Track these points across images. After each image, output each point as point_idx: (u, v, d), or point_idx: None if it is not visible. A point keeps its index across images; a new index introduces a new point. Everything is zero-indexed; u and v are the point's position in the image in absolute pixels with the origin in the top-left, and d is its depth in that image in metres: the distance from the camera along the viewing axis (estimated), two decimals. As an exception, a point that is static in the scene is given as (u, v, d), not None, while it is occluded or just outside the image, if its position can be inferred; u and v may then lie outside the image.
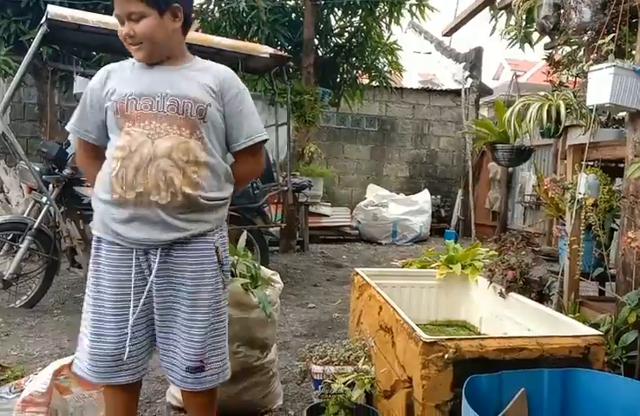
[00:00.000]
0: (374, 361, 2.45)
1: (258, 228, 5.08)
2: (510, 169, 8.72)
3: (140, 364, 1.91)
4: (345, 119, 10.35)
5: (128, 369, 1.88)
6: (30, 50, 4.13)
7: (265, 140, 1.96)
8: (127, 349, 1.84)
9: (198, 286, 1.86)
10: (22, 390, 2.16)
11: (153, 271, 1.82)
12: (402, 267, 3.54)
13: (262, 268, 2.67)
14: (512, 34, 4.43)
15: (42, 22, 4.11)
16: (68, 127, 1.97)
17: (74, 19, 4.10)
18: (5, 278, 3.97)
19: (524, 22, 4.14)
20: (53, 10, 4.06)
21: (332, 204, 9.11)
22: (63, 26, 4.14)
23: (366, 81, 8.70)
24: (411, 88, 10.79)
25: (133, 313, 1.83)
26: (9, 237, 4.09)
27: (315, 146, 7.63)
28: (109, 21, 4.21)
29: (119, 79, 1.90)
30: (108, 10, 5.34)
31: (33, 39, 4.31)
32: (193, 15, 2.00)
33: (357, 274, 3.12)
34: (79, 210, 4.31)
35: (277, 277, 2.73)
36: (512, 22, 4.48)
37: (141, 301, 1.83)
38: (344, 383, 2.28)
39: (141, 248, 1.83)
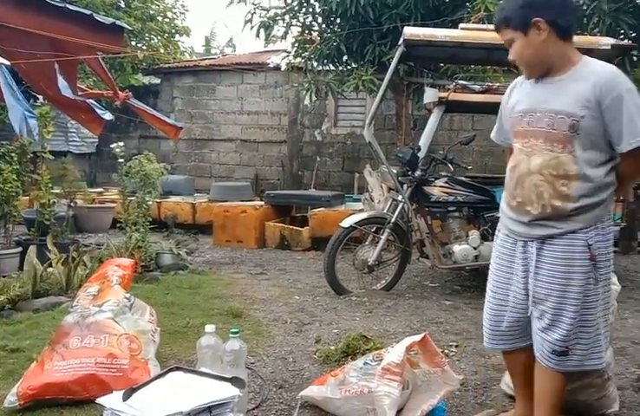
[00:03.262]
0: None
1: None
2: None
3: (516, 336, 2.24)
4: None
5: (507, 339, 2.25)
6: (390, 68, 4.75)
7: None
8: (505, 322, 2.22)
9: (567, 279, 2.04)
10: (381, 359, 2.49)
11: (533, 261, 2.09)
12: None
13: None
14: None
15: (399, 43, 4.66)
16: (492, 136, 2.37)
17: (425, 36, 4.56)
18: (370, 264, 4.65)
19: None
20: (408, 31, 4.57)
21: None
22: (416, 44, 4.62)
23: None
24: None
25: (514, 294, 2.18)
26: (372, 230, 4.78)
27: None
28: (454, 34, 4.59)
29: (517, 94, 2.16)
30: (455, 25, 5.74)
31: (392, 59, 4.92)
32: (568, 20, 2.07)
33: None
34: (427, 207, 4.78)
35: (614, 279, 2.68)
36: None
37: (517, 283, 2.15)
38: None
39: (522, 240, 2.12)
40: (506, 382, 2.80)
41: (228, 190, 8.42)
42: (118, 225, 5.67)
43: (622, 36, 6.52)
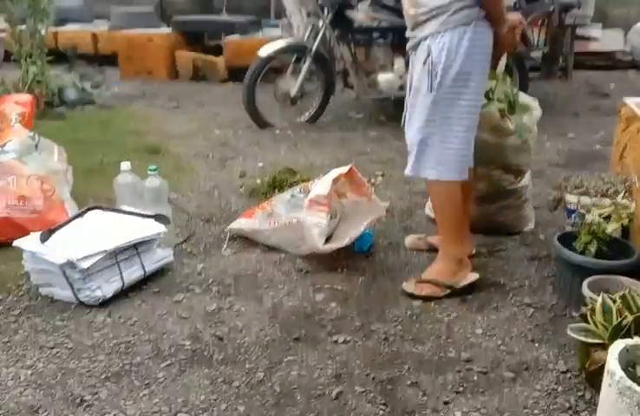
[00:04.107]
0: (634, 197, 2.42)
1: (519, 52, 4.87)
2: None
3: None
4: None
5: None
6: None
7: None
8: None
9: (412, 83, 2.19)
10: (308, 192, 2.52)
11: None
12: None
13: (520, 94, 2.63)
14: None
15: None
16: None
17: None
18: (292, 96, 4.44)
19: None
20: None
21: (604, 25, 8.09)
22: None
23: None
24: None
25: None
26: (293, 59, 4.49)
27: (590, -45, 6.64)
28: None
29: None
30: None
31: None
32: None
33: (625, 104, 2.92)
34: (350, 33, 4.49)
35: (535, 104, 2.67)
36: None
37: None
38: (599, 215, 2.30)
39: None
40: (430, 207, 2.89)
41: (131, 16, 7.61)
42: (12, 58, 5.08)
43: None
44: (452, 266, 2.24)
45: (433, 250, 2.54)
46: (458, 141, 2.14)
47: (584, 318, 1.76)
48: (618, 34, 8.05)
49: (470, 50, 2.05)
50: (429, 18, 2.07)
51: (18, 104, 3.37)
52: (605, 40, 7.79)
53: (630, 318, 1.65)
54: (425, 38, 2.09)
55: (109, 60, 7.06)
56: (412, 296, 2.20)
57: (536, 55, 6.04)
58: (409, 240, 2.64)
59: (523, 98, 2.65)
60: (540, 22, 5.36)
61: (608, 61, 7.82)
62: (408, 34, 2.21)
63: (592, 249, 2.14)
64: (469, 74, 2.08)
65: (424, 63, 2.08)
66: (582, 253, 2.14)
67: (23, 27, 4.93)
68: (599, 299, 1.76)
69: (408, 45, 2.22)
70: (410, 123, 2.20)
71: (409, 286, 2.24)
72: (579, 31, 7.15)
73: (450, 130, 2.11)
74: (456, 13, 2.03)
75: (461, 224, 2.32)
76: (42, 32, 4.95)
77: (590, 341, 1.68)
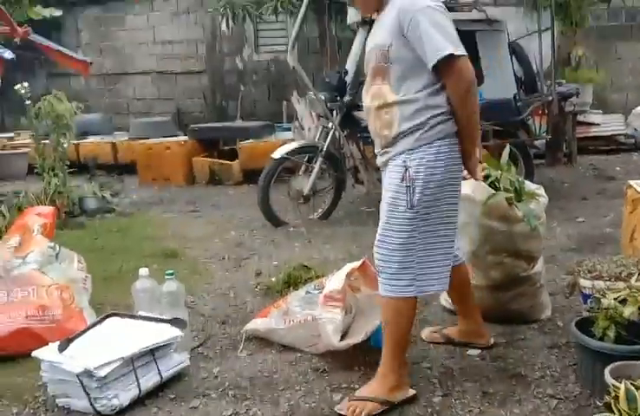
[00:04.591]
0: (648, 279, 2.41)
1: (522, 141, 5.04)
2: None
3: None
4: (618, 14, 9.12)
5: None
6: None
7: (453, 56, 1.92)
8: None
9: (385, 198, 2.11)
10: (323, 287, 2.54)
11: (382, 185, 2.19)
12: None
13: (526, 182, 2.70)
14: None
15: None
16: None
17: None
18: (305, 194, 4.59)
19: None
20: None
21: (603, 111, 8.33)
22: None
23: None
24: None
25: None
26: (305, 159, 4.69)
27: (582, 50, 7.02)
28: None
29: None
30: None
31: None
32: None
33: (631, 186, 2.98)
34: (358, 132, 4.70)
35: (541, 191, 2.73)
36: None
37: None
38: (615, 299, 2.28)
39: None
40: (445, 297, 2.88)
41: (149, 126, 8.05)
42: (35, 171, 5.35)
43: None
44: (390, 384, 2.10)
45: (449, 342, 2.51)
46: (442, 252, 2.08)
47: (608, 407, 1.71)
48: (619, 118, 8.29)
49: (447, 163, 2.04)
50: (405, 135, 2.04)
51: (40, 216, 3.49)
52: (606, 124, 8.00)
53: (655, 407, 1.61)
54: (399, 154, 2.05)
55: (128, 168, 7.38)
56: None
57: (539, 142, 6.23)
58: (426, 333, 2.61)
59: (528, 186, 2.72)
60: (541, 111, 5.57)
61: (611, 145, 7.99)
62: (377, 150, 2.19)
63: (611, 334, 2.11)
64: (446, 185, 2.05)
65: (402, 180, 2.02)
66: (601, 339, 2.11)
67: (47, 141, 5.23)
68: (622, 387, 1.71)
69: (379, 161, 2.19)
70: (384, 241, 2.08)
71: (344, 408, 2.06)
72: (580, 117, 7.38)
73: (432, 243, 2.06)
74: (432, 129, 2.02)
75: (406, 346, 2.20)
76: (65, 146, 5.22)
77: (616, 434, 1.63)
